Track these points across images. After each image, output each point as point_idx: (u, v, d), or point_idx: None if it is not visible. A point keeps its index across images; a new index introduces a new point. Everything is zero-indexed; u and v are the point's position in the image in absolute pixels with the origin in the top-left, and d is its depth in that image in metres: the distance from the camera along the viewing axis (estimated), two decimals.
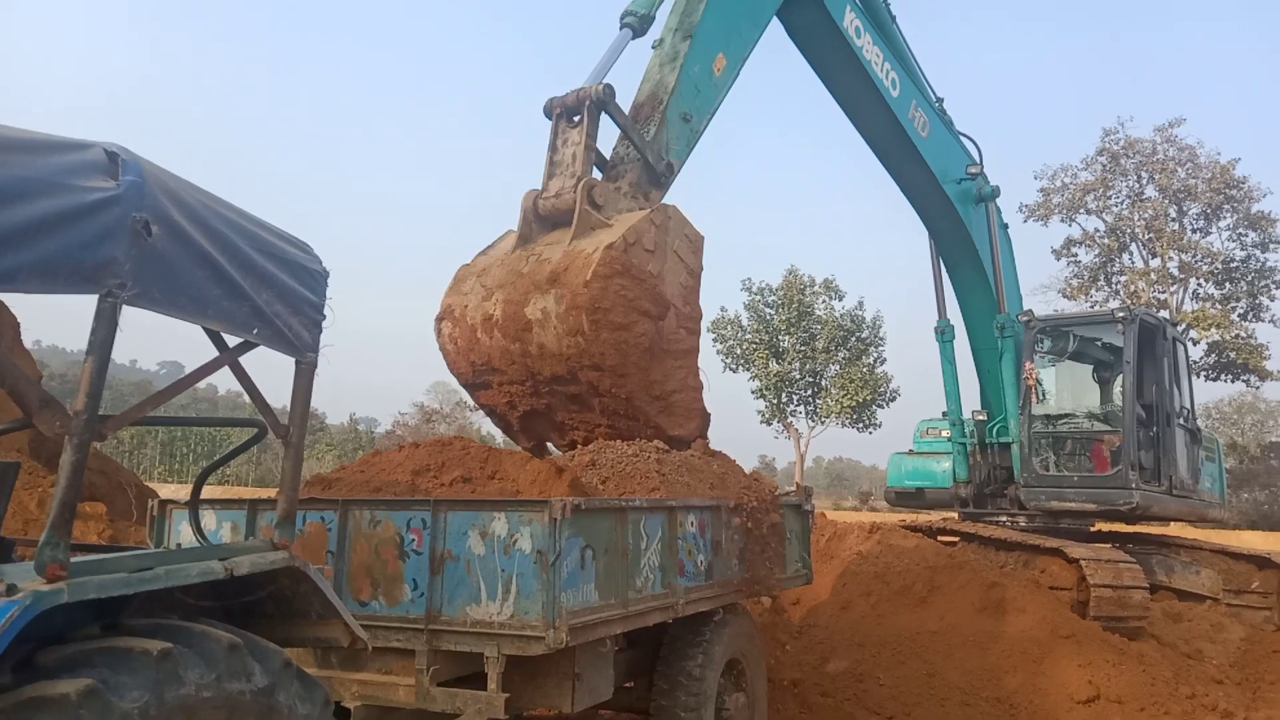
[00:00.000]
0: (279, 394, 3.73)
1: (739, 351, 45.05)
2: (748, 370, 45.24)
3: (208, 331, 3.02)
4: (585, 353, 6.42)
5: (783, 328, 44.78)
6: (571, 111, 7.09)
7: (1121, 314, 11.22)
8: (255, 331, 2.97)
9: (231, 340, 3.05)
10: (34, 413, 2.42)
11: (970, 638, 8.43)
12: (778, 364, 44.76)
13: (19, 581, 2.40)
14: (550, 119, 7.22)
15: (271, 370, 3.49)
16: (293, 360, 3.19)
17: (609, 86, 6.98)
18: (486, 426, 54.45)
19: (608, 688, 5.23)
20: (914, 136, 10.36)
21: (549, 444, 7.44)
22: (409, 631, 4.51)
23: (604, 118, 7.05)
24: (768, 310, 45.35)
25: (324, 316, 3.23)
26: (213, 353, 3.14)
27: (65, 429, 2.44)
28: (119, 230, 2.51)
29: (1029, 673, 8.05)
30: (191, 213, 2.75)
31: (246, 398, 3.31)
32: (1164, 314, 41.05)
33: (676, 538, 5.54)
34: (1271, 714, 8.42)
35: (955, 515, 12.06)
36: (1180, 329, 40.96)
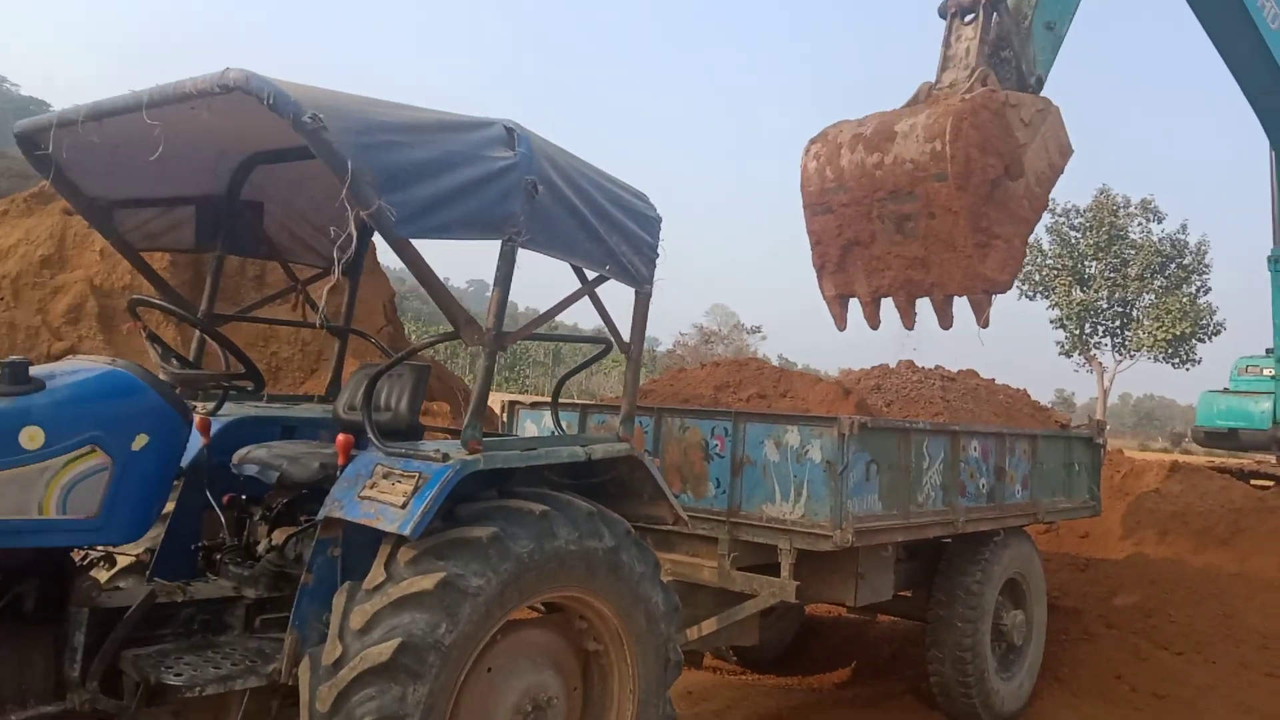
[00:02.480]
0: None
1: (1037, 278, 42.44)
2: (1046, 298, 42.59)
3: (573, 268, 3.79)
4: (937, 158, 6.76)
5: (1090, 252, 41.64)
6: (966, 10, 7.51)
7: None
8: (608, 268, 3.70)
9: (589, 274, 3.80)
10: (460, 328, 3.27)
11: (1275, 581, 8.05)
12: (1082, 292, 41.81)
13: (451, 453, 3.28)
14: (944, 18, 7.67)
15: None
16: (632, 291, 3.90)
17: None
18: (763, 350, 55.07)
19: (888, 589, 5.72)
20: (1264, 29, 9.52)
21: (853, 298, 7.65)
22: (713, 522, 5.23)
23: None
24: (1073, 233, 42.28)
25: (658, 255, 3.91)
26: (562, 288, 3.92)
27: (482, 341, 3.27)
28: (516, 190, 3.28)
29: None
30: (564, 174, 3.49)
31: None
32: None
33: (959, 460, 5.86)
34: None
35: (1272, 459, 11.26)
36: None
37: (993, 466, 6.17)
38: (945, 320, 7.34)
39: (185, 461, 3.77)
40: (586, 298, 3.83)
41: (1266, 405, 11.28)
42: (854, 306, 7.61)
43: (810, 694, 6.83)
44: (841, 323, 7.69)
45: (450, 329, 3.33)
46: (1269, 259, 11.74)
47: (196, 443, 3.90)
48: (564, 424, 6.12)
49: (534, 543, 3.34)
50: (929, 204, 6.89)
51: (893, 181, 6.99)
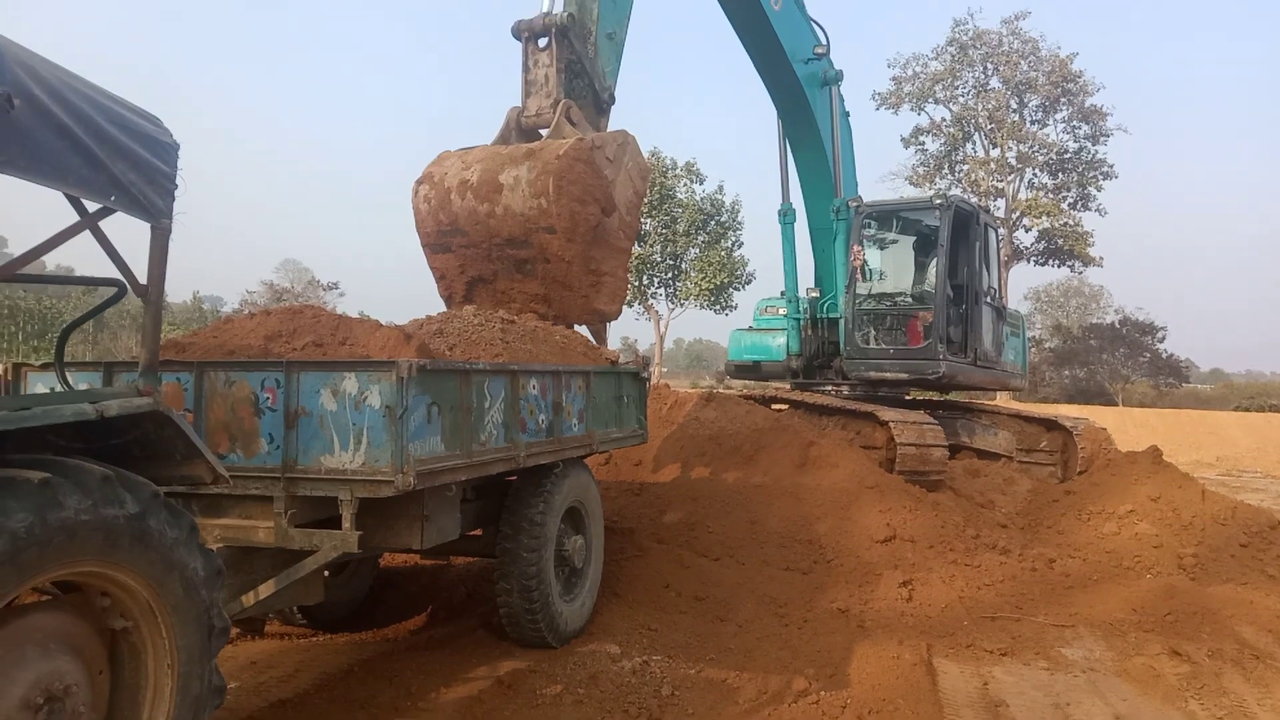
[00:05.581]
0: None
1: None
2: None
3: (69, 198, 3.28)
4: (545, 214, 7.51)
5: (644, 210, 45.30)
6: (539, 35, 8.04)
7: (939, 201, 12.18)
8: (113, 199, 3.25)
9: (91, 206, 3.32)
10: None
11: (789, 490, 9.42)
12: (639, 246, 45.42)
13: None
14: (520, 40, 8.15)
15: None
16: (149, 226, 3.48)
17: (572, 15, 7.97)
18: (341, 307, 53.32)
19: (454, 529, 5.80)
20: (767, 8, 10.86)
21: None
22: (267, 480, 4.91)
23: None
24: None
25: (176, 185, 3.51)
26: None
27: None
28: None
29: (837, 518, 9.11)
30: (49, 88, 2.99)
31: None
32: (998, 204, 43.46)
33: (519, 398, 6.07)
34: (1043, 550, 9.73)
35: (787, 386, 13.10)
36: (1015, 217, 43.68)
37: (551, 402, 6.47)
38: None
39: None
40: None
41: (782, 340, 13.08)
42: None
43: (384, 644, 6.77)
44: None
45: None
46: (779, 213, 13.55)
47: None
48: (88, 384, 5.42)
49: (32, 515, 2.91)
50: (543, 251, 7.71)
51: (507, 230, 7.73)
